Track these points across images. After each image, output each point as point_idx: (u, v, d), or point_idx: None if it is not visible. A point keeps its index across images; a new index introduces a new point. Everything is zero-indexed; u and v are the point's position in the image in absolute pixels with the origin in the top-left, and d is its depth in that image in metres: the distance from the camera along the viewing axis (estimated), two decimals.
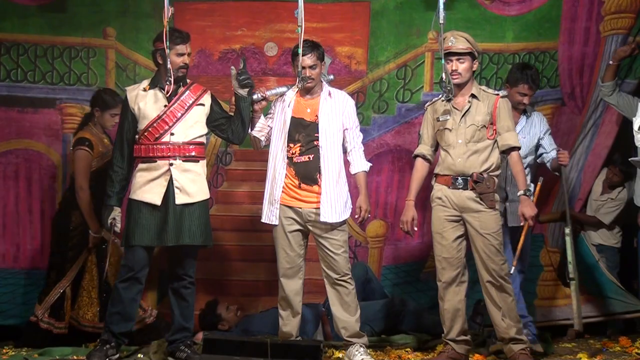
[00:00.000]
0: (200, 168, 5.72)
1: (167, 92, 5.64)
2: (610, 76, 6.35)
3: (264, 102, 5.75)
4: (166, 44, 5.56)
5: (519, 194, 5.64)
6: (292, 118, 5.75)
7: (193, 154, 5.68)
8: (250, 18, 6.74)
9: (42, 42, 6.62)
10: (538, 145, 6.16)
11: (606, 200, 7.00)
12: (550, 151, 6.13)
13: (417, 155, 5.86)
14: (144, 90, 5.68)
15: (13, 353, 6.04)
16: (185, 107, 5.68)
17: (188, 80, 5.77)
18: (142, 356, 5.81)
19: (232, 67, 5.73)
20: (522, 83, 6.02)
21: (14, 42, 6.60)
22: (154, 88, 5.68)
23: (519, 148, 5.67)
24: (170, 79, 5.64)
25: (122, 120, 5.73)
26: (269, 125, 5.81)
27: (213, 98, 5.81)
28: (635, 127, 5.97)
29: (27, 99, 6.64)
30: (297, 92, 5.79)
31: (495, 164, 5.66)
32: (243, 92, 5.71)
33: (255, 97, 5.71)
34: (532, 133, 6.11)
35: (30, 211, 6.69)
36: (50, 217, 6.66)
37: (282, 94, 5.81)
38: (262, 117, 5.80)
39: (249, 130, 5.81)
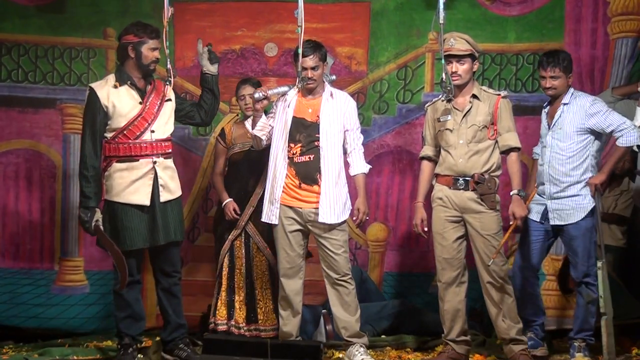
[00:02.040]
0: (173, 164, 5.70)
1: (167, 92, 5.64)
2: (624, 94, 6.29)
3: (265, 102, 5.73)
4: (166, 43, 5.55)
5: (512, 193, 5.60)
6: (294, 118, 5.74)
7: (169, 150, 5.65)
8: (250, 18, 6.74)
9: (43, 42, 6.62)
10: (595, 133, 5.85)
11: (619, 193, 6.91)
12: (608, 132, 5.77)
13: (422, 157, 5.87)
14: (115, 87, 5.55)
15: (13, 353, 6.05)
16: (158, 104, 5.61)
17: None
18: (142, 356, 5.80)
19: (206, 46, 5.73)
20: (540, 66, 5.89)
21: (15, 42, 6.60)
22: (125, 84, 5.56)
23: (518, 149, 5.65)
24: (170, 79, 5.63)
25: (93, 117, 5.50)
26: (270, 125, 5.81)
27: (174, 91, 5.76)
28: (637, 124, 5.95)
29: (27, 99, 6.64)
30: (298, 92, 5.79)
31: (496, 164, 5.65)
32: (214, 69, 5.72)
33: (256, 96, 5.69)
34: (568, 121, 5.84)
35: (30, 211, 6.69)
36: (50, 217, 6.67)
37: (283, 94, 5.80)
38: (264, 116, 5.78)
39: (251, 129, 5.82)
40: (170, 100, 5.67)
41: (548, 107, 5.99)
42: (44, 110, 6.65)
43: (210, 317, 6.17)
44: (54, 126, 6.66)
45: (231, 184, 6.20)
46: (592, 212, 5.85)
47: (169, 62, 5.62)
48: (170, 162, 5.65)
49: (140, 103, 5.55)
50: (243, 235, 6.16)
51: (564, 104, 5.88)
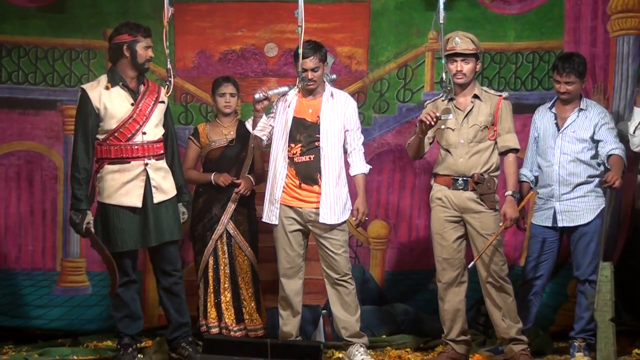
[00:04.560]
0: (165, 164, 5.70)
1: (167, 93, 5.64)
2: None
3: (265, 102, 5.73)
4: (166, 43, 5.55)
5: (506, 194, 5.60)
6: (294, 118, 5.75)
7: (161, 152, 5.66)
8: (250, 19, 6.73)
9: (43, 44, 6.62)
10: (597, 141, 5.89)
11: None
12: (605, 146, 5.80)
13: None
14: (107, 88, 5.55)
15: (13, 353, 6.08)
16: (151, 105, 5.62)
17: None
18: (142, 356, 5.81)
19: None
20: (555, 70, 5.89)
21: (15, 44, 6.60)
22: (117, 85, 5.56)
23: (517, 150, 5.64)
24: (171, 79, 5.63)
25: (84, 119, 5.51)
26: (270, 125, 5.81)
27: (169, 106, 5.78)
28: (631, 131, 5.92)
29: (28, 101, 6.64)
30: (298, 92, 5.78)
31: (495, 164, 5.65)
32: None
33: (257, 96, 5.70)
34: (583, 126, 5.87)
35: (32, 212, 6.69)
36: (52, 218, 6.68)
37: (284, 94, 5.80)
38: (264, 116, 5.78)
39: (251, 130, 5.82)
40: (163, 102, 5.68)
41: (554, 108, 5.98)
42: (44, 111, 6.65)
43: (201, 319, 6.17)
44: (55, 127, 6.66)
45: (210, 182, 6.19)
46: (601, 212, 5.87)
47: (169, 62, 5.62)
48: (162, 163, 5.66)
49: (132, 104, 5.56)
50: (225, 234, 6.17)
51: (581, 109, 5.91)
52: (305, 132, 5.73)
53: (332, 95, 5.79)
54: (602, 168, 5.91)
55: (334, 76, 6.09)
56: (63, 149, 6.68)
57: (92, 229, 5.50)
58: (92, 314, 6.66)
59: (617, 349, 5.67)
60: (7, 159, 6.67)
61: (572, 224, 5.89)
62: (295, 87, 5.75)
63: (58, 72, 6.66)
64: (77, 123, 5.56)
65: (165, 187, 5.64)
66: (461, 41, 5.59)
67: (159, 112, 5.64)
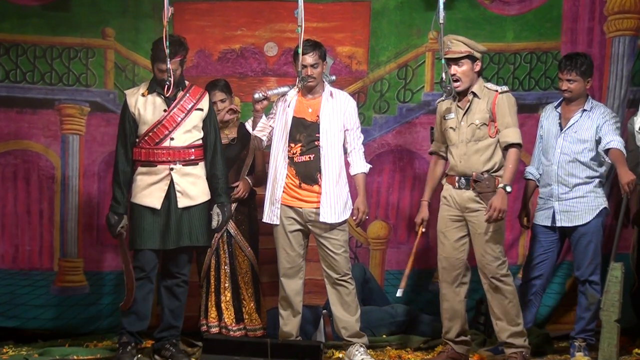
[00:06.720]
0: (200, 170, 5.75)
1: (167, 94, 5.64)
2: None
3: (265, 102, 5.74)
4: (166, 44, 5.54)
5: (499, 186, 5.52)
6: (294, 118, 5.75)
7: (192, 157, 5.72)
8: (250, 18, 6.72)
9: (41, 42, 6.59)
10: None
11: None
12: (604, 139, 5.75)
13: (431, 153, 5.87)
14: (143, 95, 5.70)
15: (13, 353, 6.06)
16: (185, 112, 5.70)
17: (187, 83, 5.80)
18: (141, 356, 5.80)
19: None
20: (559, 68, 5.92)
21: (13, 42, 6.57)
22: (153, 93, 5.70)
23: (518, 145, 5.59)
24: (170, 78, 5.63)
25: (123, 124, 5.72)
26: (270, 125, 5.81)
27: (211, 112, 5.81)
28: (636, 128, 5.93)
29: (25, 100, 6.60)
30: (298, 91, 5.78)
31: (499, 163, 5.60)
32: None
33: (256, 96, 5.71)
34: (585, 127, 5.86)
35: (29, 212, 6.67)
36: (49, 217, 6.65)
37: (283, 94, 5.80)
38: (264, 117, 5.79)
39: (251, 130, 5.82)
40: (201, 110, 5.74)
41: (560, 107, 5.99)
42: (42, 110, 6.62)
43: (201, 319, 6.16)
44: (52, 127, 6.63)
45: None
46: (601, 212, 5.87)
47: (169, 62, 5.61)
48: (191, 168, 5.71)
49: (165, 111, 5.64)
50: (225, 234, 6.16)
51: (584, 110, 5.90)
52: (305, 132, 5.73)
53: (331, 94, 5.80)
54: (602, 169, 5.92)
55: (333, 77, 6.11)
56: (60, 148, 6.66)
57: (124, 233, 5.67)
58: (89, 313, 6.64)
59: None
60: (4, 158, 6.63)
61: (570, 224, 5.90)
62: (295, 87, 5.75)
63: (56, 70, 6.63)
64: (119, 127, 5.77)
65: (192, 192, 5.69)
66: (452, 45, 5.59)
67: (193, 118, 5.71)
